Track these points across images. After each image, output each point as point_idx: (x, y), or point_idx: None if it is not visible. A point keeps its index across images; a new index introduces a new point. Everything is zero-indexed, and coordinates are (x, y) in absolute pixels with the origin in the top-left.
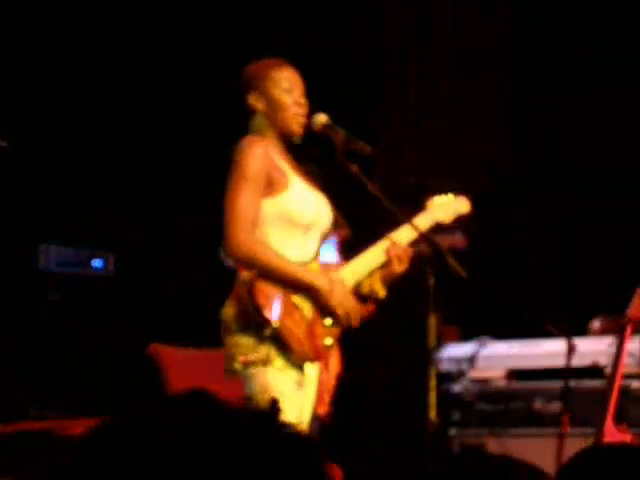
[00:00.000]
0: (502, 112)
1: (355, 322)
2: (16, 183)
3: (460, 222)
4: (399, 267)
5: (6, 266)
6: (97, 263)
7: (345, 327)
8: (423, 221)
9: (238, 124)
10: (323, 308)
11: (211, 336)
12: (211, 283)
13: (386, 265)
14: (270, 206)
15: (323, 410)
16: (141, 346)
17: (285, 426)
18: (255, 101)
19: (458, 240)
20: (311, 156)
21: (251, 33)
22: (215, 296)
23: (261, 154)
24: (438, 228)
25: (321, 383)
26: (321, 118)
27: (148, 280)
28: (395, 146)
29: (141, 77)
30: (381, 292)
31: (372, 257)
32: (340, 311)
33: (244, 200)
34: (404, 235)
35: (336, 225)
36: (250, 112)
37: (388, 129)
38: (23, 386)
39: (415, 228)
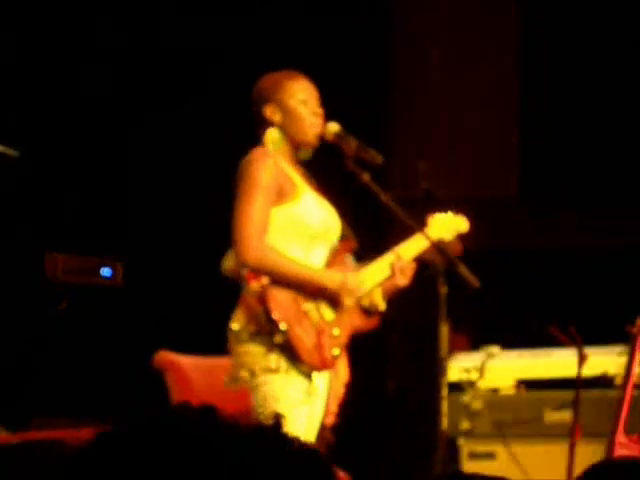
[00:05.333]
0: (509, 120)
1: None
2: (24, 191)
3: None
4: (402, 281)
5: (13, 274)
6: (105, 272)
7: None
8: (430, 236)
9: (245, 134)
10: (336, 303)
11: (219, 344)
12: (219, 292)
13: (389, 278)
14: (278, 215)
15: (330, 420)
16: (149, 354)
17: (292, 440)
18: (271, 113)
19: (454, 247)
20: (322, 165)
21: (257, 45)
22: (223, 305)
23: (272, 165)
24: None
25: (330, 392)
26: (333, 127)
27: (157, 288)
28: (404, 155)
29: (145, 87)
30: (381, 305)
31: (377, 270)
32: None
33: (255, 208)
34: (409, 249)
35: (343, 237)
36: (263, 123)
37: (397, 138)
38: (29, 395)
39: (427, 237)
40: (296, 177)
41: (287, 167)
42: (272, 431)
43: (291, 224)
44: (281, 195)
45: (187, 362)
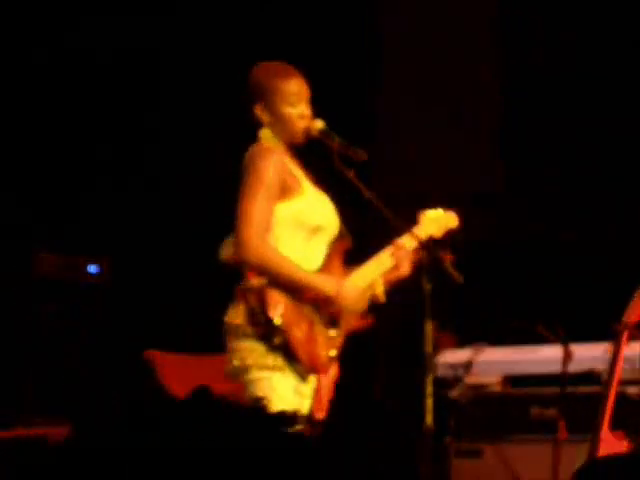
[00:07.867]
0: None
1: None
2: (11, 189)
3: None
4: (405, 270)
5: (1, 272)
6: (92, 269)
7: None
8: (417, 234)
9: (235, 132)
10: (331, 314)
11: (207, 341)
12: (207, 288)
13: (392, 269)
14: (282, 209)
15: (321, 415)
16: (137, 351)
17: (283, 424)
18: (261, 113)
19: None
20: (306, 162)
21: (248, 34)
22: (211, 301)
23: (276, 161)
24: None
25: (320, 389)
26: (317, 124)
27: (143, 285)
28: (392, 152)
29: (133, 81)
30: (382, 298)
31: (380, 262)
32: (352, 308)
33: (259, 206)
34: (408, 240)
35: (339, 235)
36: (253, 117)
37: (384, 134)
38: (17, 393)
39: (413, 235)
40: (298, 172)
41: (289, 163)
42: (261, 412)
43: (294, 220)
44: (285, 191)
45: (176, 359)
